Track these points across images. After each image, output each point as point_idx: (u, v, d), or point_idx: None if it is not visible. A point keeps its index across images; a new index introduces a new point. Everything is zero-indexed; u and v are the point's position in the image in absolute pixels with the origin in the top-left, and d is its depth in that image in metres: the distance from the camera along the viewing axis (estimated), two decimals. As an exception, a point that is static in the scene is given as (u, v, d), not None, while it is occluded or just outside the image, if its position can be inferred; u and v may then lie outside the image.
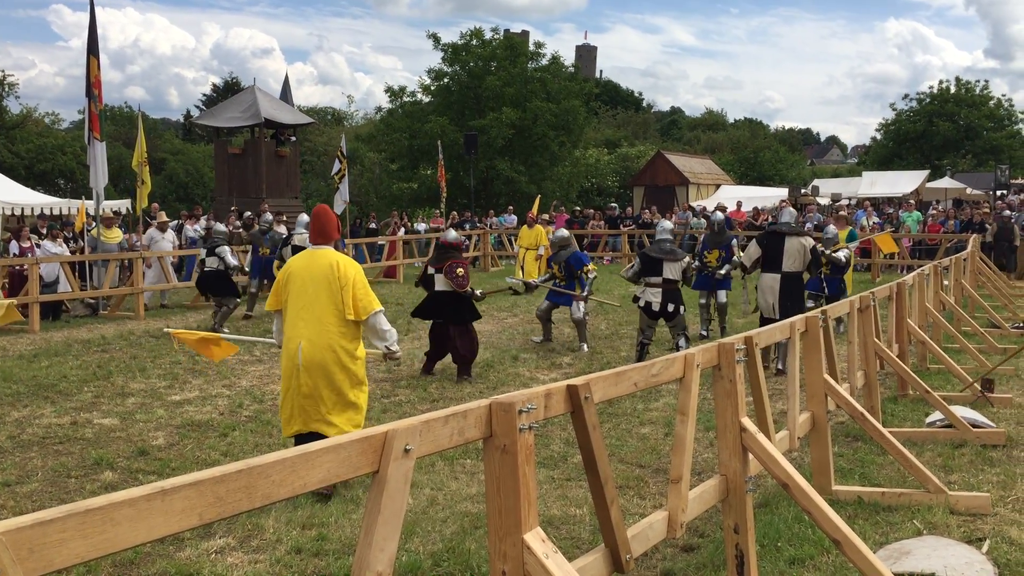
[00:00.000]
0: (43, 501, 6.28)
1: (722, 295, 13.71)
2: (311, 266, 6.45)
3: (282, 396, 6.56)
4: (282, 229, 18.23)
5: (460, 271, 10.61)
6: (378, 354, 6.97)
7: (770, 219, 12.79)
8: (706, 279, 13.54)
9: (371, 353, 7.20)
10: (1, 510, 6.10)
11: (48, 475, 6.88)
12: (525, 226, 21.08)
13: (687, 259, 11.65)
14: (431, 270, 10.85)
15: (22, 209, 24.09)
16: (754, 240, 11.25)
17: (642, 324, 11.48)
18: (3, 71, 52.66)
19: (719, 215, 15.07)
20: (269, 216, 17.68)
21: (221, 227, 16.11)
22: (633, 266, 11.63)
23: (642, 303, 11.34)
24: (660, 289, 11.23)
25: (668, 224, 12.63)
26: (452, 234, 11.37)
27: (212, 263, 14.47)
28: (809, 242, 10.78)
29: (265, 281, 16.15)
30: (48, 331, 14.58)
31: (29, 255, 16.85)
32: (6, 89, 51.46)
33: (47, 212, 24.34)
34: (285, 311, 6.53)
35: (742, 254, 12.19)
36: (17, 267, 15.96)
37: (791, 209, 12.11)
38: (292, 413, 6.42)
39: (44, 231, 18.76)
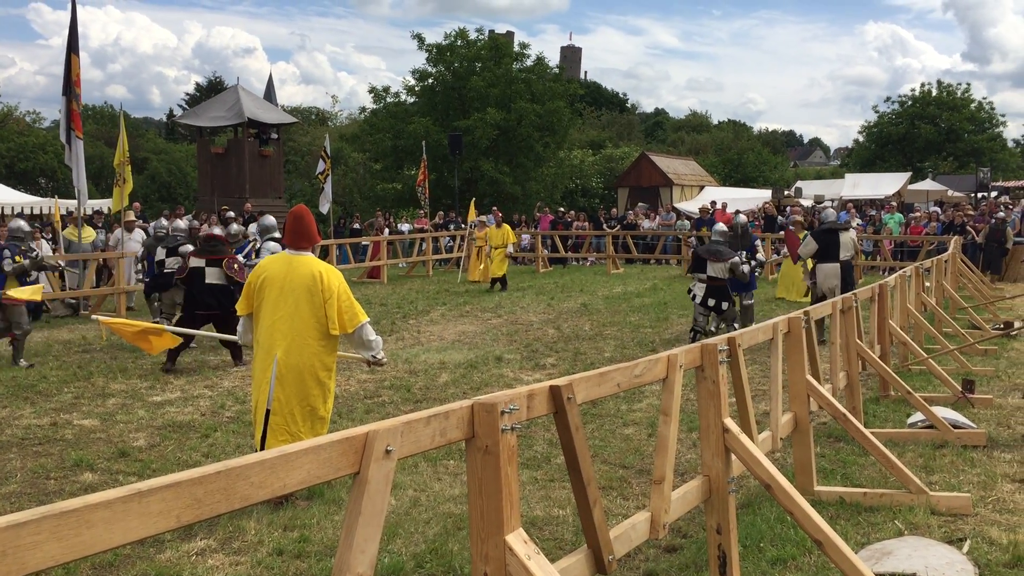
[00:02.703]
0: (22, 503, 6.22)
1: (746, 297, 13.89)
2: (291, 274, 6.06)
3: (254, 405, 6.25)
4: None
5: (236, 266, 11.40)
6: (361, 358, 6.78)
7: (819, 219, 14.69)
8: (732, 281, 13.72)
9: (354, 357, 7.16)
10: (-21, 512, 6.04)
11: (27, 476, 6.82)
12: (493, 226, 21.25)
13: (735, 258, 12.98)
14: (197, 262, 11.29)
15: (2, 208, 23.88)
16: (809, 236, 13.19)
17: (695, 314, 13.01)
18: (-17, 69, 52.14)
19: (742, 218, 15.37)
20: (234, 227, 17.08)
21: (182, 224, 15.31)
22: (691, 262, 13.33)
23: (691, 295, 13.05)
24: (705, 284, 12.74)
25: (722, 226, 13.87)
26: (220, 228, 11.98)
27: (173, 264, 13.19)
28: (855, 235, 13.38)
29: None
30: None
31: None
32: (-14, 87, 51.04)
33: (27, 211, 24.13)
34: (258, 318, 6.15)
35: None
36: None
37: (831, 209, 14.71)
38: (255, 423, 6.22)
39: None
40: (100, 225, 20.33)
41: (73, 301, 16.71)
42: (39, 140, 50.35)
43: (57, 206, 21.25)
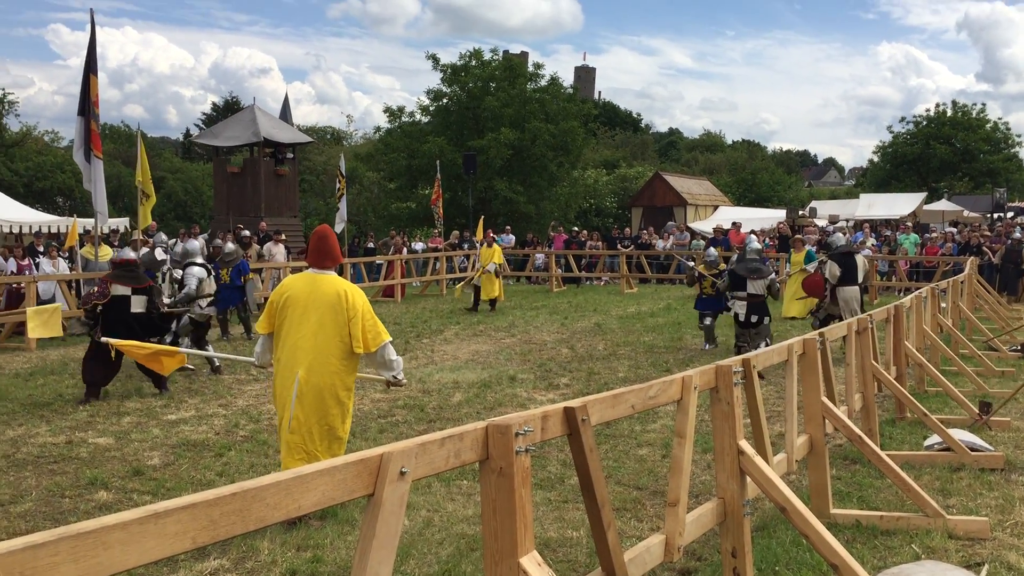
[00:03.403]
0: (37, 521, 6.24)
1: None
2: (315, 292, 6.06)
3: (279, 425, 6.28)
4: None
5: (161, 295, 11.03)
6: (381, 378, 6.75)
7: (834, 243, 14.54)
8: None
9: (374, 378, 7.16)
10: (-6, 530, 6.06)
11: (42, 495, 6.84)
12: (485, 245, 21.25)
13: (772, 275, 13.26)
14: (122, 290, 10.51)
15: (20, 227, 24.08)
16: (831, 262, 13.36)
17: (736, 332, 13.18)
18: (3, 89, 52.67)
19: (754, 240, 15.34)
20: (229, 246, 16.77)
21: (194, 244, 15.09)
22: (724, 280, 13.38)
23: (731, 313, 13.13)
24: (746, 302, 12.82)
25: (756, 244, 13.97)
26: (131, 252, 11.50)
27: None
28: (865, 257, 14.12)
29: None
30: (45, 349, 14.54)
31: (27, 273, 16.86)
32: (6, 107, 51.58)
33: (45, 230, 24.33)
34: (280, 336, 6.13)
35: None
36: (14, 285, 15.94)
37: (840, 234, 15.23)
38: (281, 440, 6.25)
39: (42, 249, 18.78)
40: (116, 244, 20.48)
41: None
42: (57, 159, 50.80)
43: (75, 225, 21.43)
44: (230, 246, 16.80)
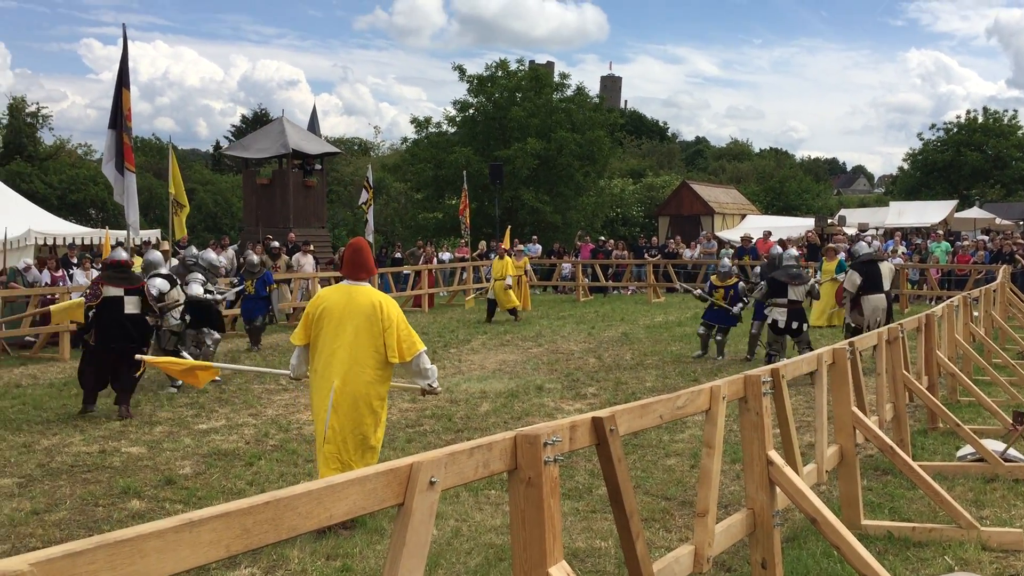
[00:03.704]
0: (71, 529, 6.33)
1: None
2: (350, 303, 6.17)
3: (317, 436, 6.35)
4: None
5: (156, 292, 10.76)
6: (415, 387, 6.83)
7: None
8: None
9: (408, 387, 7.20)
10: (29, 538, 6.15)
11: (76, 503, 6.93)
12: (496, 257, 21.22)
13: (812, 281, 13.24)
14: (114, 291, 10.31)
15: (54, 239, 24.42)
16: (852, 270, 13.11)
17: (769, 339, 12.91)
18: (37, 104, 53.62)
19: (778, 249, 15.32)
20: (254, 258, 16.96)
21: (194, 251, 14.44)
22: (761, 288, 13.02)
23: (769, 320, 12.83)
24: (786, 309, 12.61)
25: (794, 251, 13.98)
26: (123, 253, 11.16)
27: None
28: (892, 266, 13.88)
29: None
30: (78, 360, 14.70)
31: (61, 284, 17.10)
32: (40, 121, 52.47)
33: (79, 242, 24.66)
34: (316, 347, 6.23)
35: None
36: (48, 296, 16.17)
37: (863, 243, 14.75)
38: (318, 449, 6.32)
39: (75, 260, 19.03)
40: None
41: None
42: (90, 172, 51.45)
43: (108, 237, 21.69)
44: (254, 258, 16.90)
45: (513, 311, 20.13)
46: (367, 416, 6.15)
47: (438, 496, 2.62)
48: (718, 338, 14.41)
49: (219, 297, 13.33)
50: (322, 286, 21.29)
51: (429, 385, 6.53)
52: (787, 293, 12.65)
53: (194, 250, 14.43)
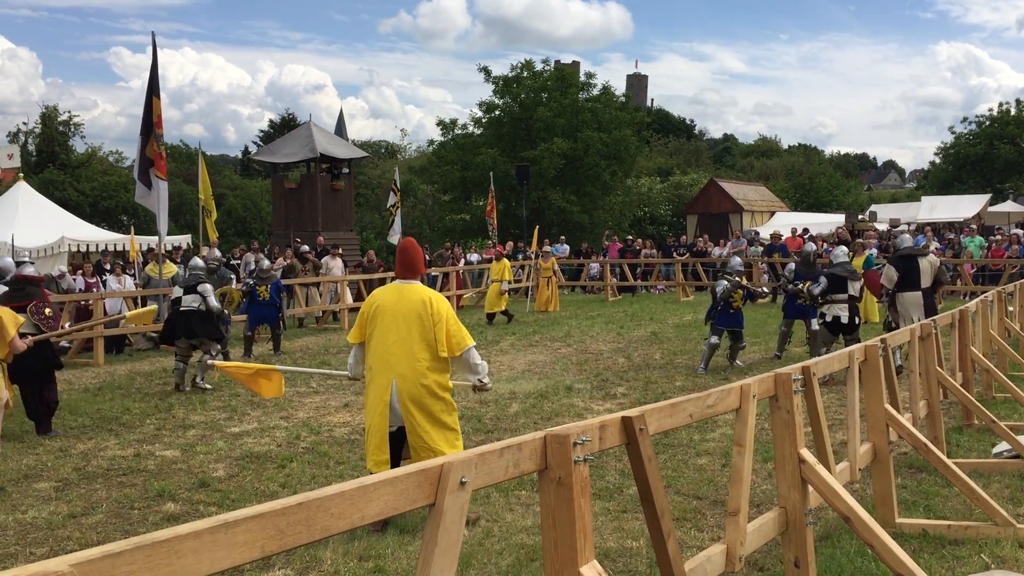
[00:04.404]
0: (107, 532, 6.41)
1: (814, 323, 13.62)
2: (401, 301, 6.41)
3: (368, 431, 6.48)
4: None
5: (48, 311, 9.69)
6: (466, 385, 6.95)
7: (894, 246, 13.82)
8: (800, 307, 13.60)
9: (459, 384, 7.23)
10: (67, 541, 6.24)
11: (112, 506, 7.02)
12: (495, 259, 21.17)
13: (861, 279, 13.04)
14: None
15: (87, 246, 24.76)
16: (889, 264, 12.65)
17: (822, 339, 12.40)
18: (69, 112, 54.35)
19: (811, 246, 15.07)
20: (266, 263, 16.80)
21: (200, 262, 14.04)
22: (821, 285, 12.49)
23: (829, 318, 12.34)
24: (846, 304, 12.23)
25: (844, 248, 13.69)
26: (31, 268, 10.17)
27: (190, 301, 12.24)
28: (936, 260, 12.49)
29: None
30: (112, 364, 14.93)
31: (94, 290, 17.33)
32: (72, 129, 53.18)
33: (111, 248, 24.99)
34: (371, 345, 6.44)
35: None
36: (82, 302, 16.40)
37: (907, 235, 14.17)
38: (368, 446, 6.42)
39: (108, 267, 19.28)
40: (179, 260, 20.94)
41: (154, 335, 17.18)
42: (121, 179, 52.09)
43: (133, 242, 21.95)
44: (265, 263, 16.76)
45: (506, 312, 20.07)
46: (434, 404, 6.32)
47: (469, 496, 2.64)
48: (815, 328, 13.22)
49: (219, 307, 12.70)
50: (351, 289, 21.45)
51: (480, 381, 6.69)
52: (847, 288, 12.32)
53: (199, 260, 14.23)
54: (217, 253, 17.50)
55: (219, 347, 12.70)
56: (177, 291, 12.60)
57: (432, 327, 6.31)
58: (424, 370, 6.28)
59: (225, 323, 13.60)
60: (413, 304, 6.36)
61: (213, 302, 12.30)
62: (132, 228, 25.18)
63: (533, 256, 24.03)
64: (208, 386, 12.05)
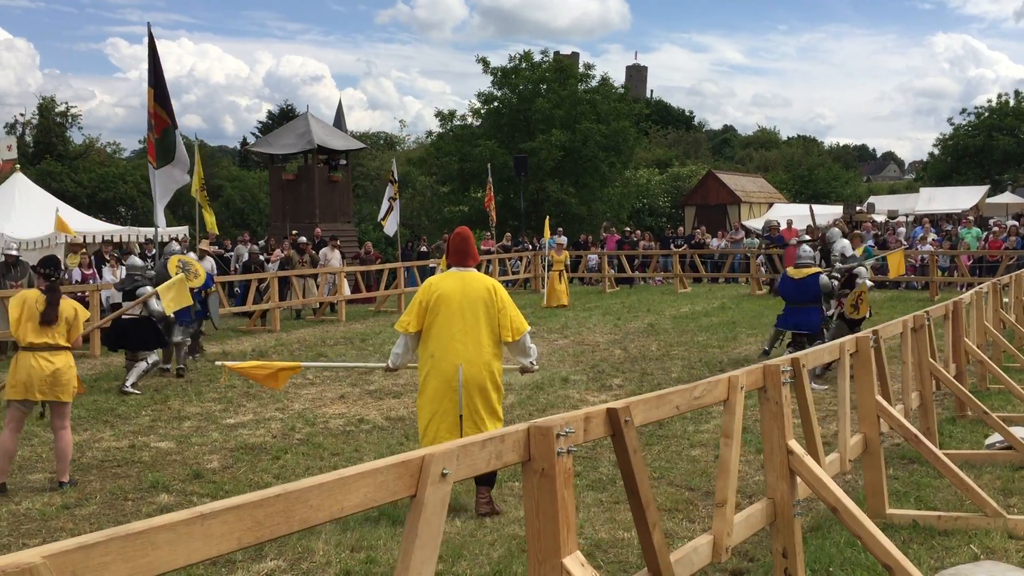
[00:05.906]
0: (101, 523, 6.43)
1: (831, 326, 13.58)
2: (466, 289, 6.46)
3: (428, 417, 6.37)
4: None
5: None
6: (514, 367, 7.04)
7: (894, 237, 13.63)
8: (801, 320, 13.21)
9: (509, 368, 7.25)
10: (60, 532, 6.26)
11: (106, 498, 7.04)
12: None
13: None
14: None
15: (84, 237, 24.73)
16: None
17: (839, 334, 11.32)
18: (66, 103, 54.20)
19: (836, 231, 14.97)
20: (138, 262, 12.93)
21: (138, 261, 12.77)
22: (862, 276, 12.11)
23: (844, 309, 11.91)
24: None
25: (847, 241, 13.37)
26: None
27: (132, 309, 11.36)
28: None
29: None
30: (108, 356, 14.91)
31: (91, 281, 17.33)
32: (69, 120, 53.06)
33: (109, 239, 24.97)
34: (432, 333, 6.40)
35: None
36: (79, 293, 16.39)
37: (836, 229, 13.87)
38: (438, 433, 6.28)
39: (107, 258, 19.27)
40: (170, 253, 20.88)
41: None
42: (119, 170, 52.04)
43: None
44: (138, 262, 13.01)
45: None
46: (493, 392, 6.44)
47: (450, 488, 2.65)
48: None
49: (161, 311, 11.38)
50: (348, 280, 21.43)
51: (530, 363, 6.87)
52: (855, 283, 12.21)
53: (137, 260, 12.90)
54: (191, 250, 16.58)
55: (156, 358, 11.93)
56: (116, 296, 11.63)
57: (497, 313, 6.45)
58: (489, 357, 6.41)
59: (183, 322, 12.69)
60: (479, 292, 6.47)
61: (154, 305, 11.21)
62: (133, 222, 25.15)
63: (546, 247, 23.68)
64: (137, 391, 11.22)
